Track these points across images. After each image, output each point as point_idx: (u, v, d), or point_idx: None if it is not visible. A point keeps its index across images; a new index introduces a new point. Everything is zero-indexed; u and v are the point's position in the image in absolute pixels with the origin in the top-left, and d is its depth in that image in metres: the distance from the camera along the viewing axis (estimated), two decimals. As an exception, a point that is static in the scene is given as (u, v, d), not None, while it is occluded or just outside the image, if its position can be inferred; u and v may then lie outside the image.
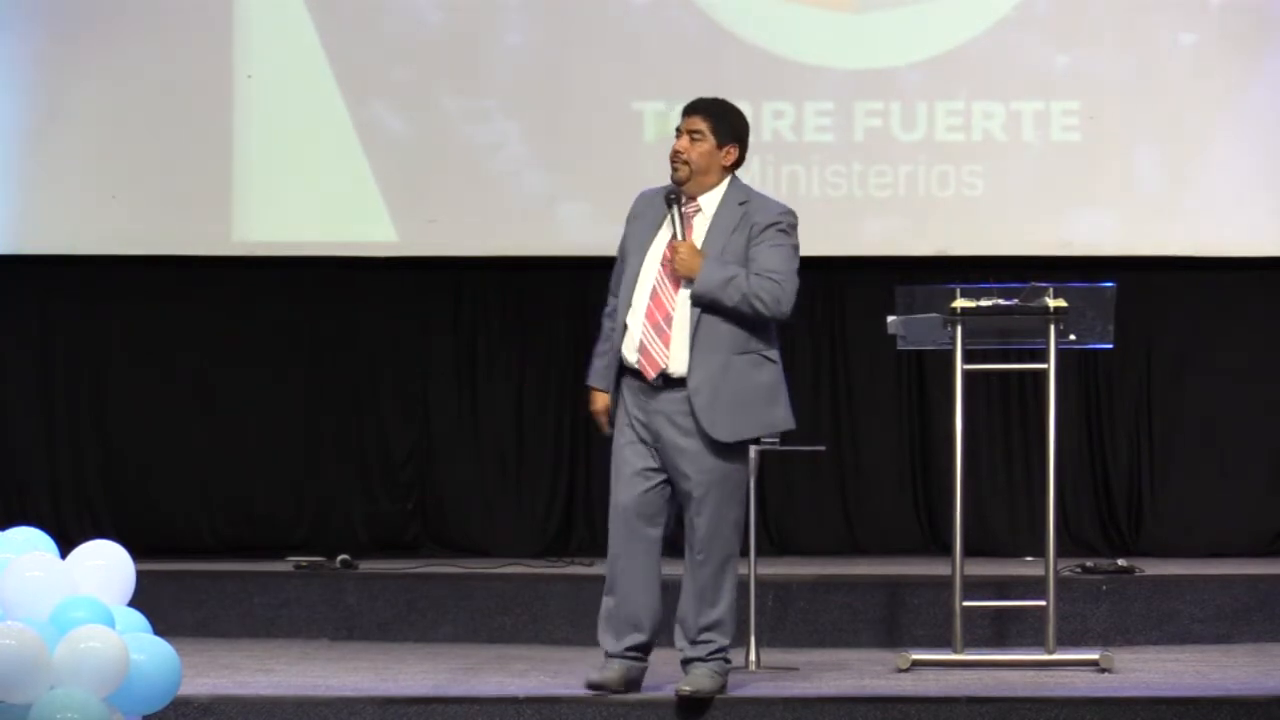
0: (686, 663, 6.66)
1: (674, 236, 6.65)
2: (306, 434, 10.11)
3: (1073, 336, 7.42)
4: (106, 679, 5.61)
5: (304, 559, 9.29)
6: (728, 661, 6.70)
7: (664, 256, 6.67)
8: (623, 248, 6.79)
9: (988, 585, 8.21)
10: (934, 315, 7.39)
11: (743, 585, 7.49)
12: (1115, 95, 9.77)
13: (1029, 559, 9.21)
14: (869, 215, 9.82)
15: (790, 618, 8.33)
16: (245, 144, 9.90)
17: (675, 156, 6.72)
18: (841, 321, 10.05)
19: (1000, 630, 8.10)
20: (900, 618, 8.32)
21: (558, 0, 9.93)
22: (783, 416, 6.70)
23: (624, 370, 6.69)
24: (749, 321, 6.61)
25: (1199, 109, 9.74)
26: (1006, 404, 9.97)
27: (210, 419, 10.05)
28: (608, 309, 6.80)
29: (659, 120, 9.73)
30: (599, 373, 6.77)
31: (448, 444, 10.11)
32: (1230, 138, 9.72)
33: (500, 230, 9.87)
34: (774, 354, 6.69)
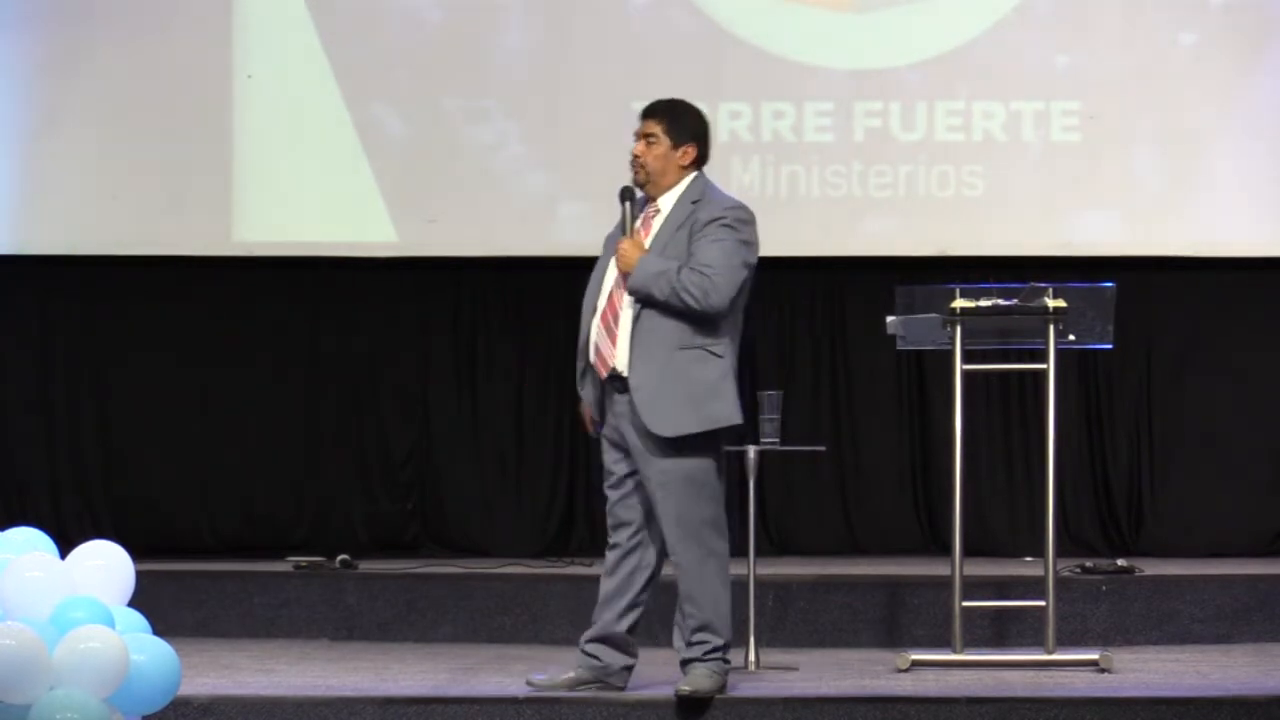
0: (685, 664, 6.67)
1: (624, 235, 6.68)
2: (306, 434, 10.11)
3: (1072, 337, 7.42)
4: (106, 679, 5.61)
5: (304, 559, 9.29)
6: (726, 661, 6.69)
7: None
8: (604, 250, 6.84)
9: (987, 585, 8.21)
10: (934, 315, 7.39)
11: (742, 585, 7.50)
12: (1115, 95, 9.77)
13: (1029, 559, 9.21)
14: (869, 215, 9.81)
15: (790, 618, 8.33)
16: (245, 144, 9.90)
17: (633, 161, 6.75)
18: (841, 321, 10.05)
19: (1000, 630, 8.10)
20: (900, 618, 8.32)
21: (558, 0, 9.94)
22: (728, 412, 6.59)
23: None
24: (692, 317, 6.56)
25: (1199, 109, 9.74)
26: (1006, 404, 9.97)
27: (210, 419, 10.06)
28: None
29: (659, 120, 9.72)
30: (579, 377, 6.79)
31: (448, 444, 10.11)
32: (1230, 138, 9.72)
33: (500, 230, 9.88)
34: (721, 349, 6.60)
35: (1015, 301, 7.35)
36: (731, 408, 6.60)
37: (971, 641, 7.61)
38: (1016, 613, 8.00)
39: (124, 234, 9.89)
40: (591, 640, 6.73)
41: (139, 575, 6.08)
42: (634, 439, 6.60)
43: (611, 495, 6.73)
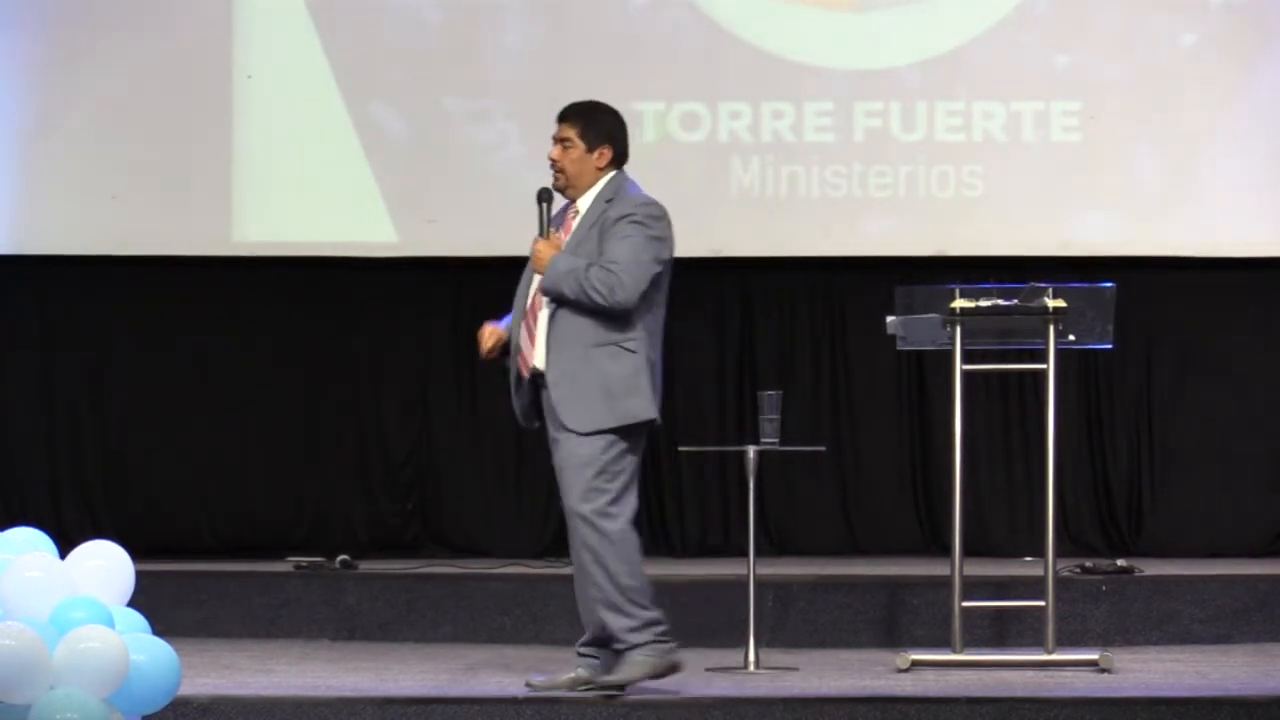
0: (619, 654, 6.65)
1: (540, 236, 6.71)
2: (306, 434, 10.11)
3: (1072, 337, 7.42)
4: (106, 679, 5.61)
5: (304, 559, 9.29)
6: (663, 641, 6.58)
7: None
8: None
9: (987, 585, 8.21)
10: (934, 315, 7.39)
11: (743, 585, 7.51)
12: (1115, 95, 9.77)
13: (1028, 559, 9.20)
14: (869, 215, 9.81)
15: (790, 618, 8.32)
16: (245, 144, 9.90)
17: (551, 165, 6.82)
18: (841, 322, 10.04)
19: (1000, 630, 8.10)
20: (900, 618, 8.32)
21: (558, 0, 9.93)
22: (642, 406, 6.60)
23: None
24: (603, 313, 6.59)
25: (1199, 109, 9.74)
26: (1006, 404, 9.97)
27: (210, 419, 10.05)
28: None
29: (659, 120, 9.73)
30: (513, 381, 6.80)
31: (448, 444, 10.11)
32: (1230, 138, 9.73)
33: (500, 230, 9.84)
34: (634, 344, 6.61)
35: (1015, 301, 7.35)
36: (646, 403, 6.62)
37: (971, 641, 7.61)
38: (1016, 613, 7.99)
39: (124, 234, 9.89)
40: (586, 644, 6.73)
41: (139, 575, 6.07)
42: (554, 433, 6.68)
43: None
